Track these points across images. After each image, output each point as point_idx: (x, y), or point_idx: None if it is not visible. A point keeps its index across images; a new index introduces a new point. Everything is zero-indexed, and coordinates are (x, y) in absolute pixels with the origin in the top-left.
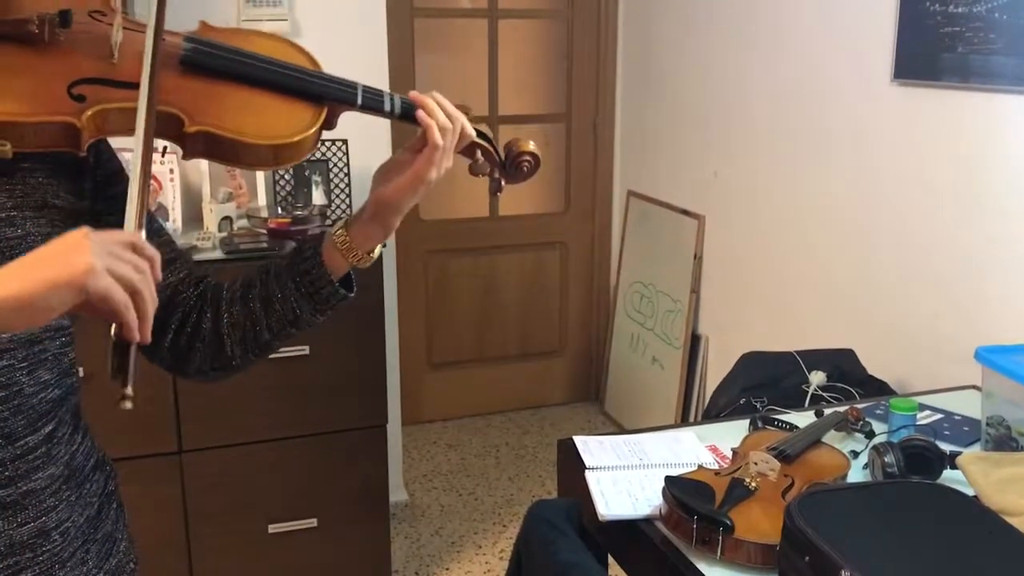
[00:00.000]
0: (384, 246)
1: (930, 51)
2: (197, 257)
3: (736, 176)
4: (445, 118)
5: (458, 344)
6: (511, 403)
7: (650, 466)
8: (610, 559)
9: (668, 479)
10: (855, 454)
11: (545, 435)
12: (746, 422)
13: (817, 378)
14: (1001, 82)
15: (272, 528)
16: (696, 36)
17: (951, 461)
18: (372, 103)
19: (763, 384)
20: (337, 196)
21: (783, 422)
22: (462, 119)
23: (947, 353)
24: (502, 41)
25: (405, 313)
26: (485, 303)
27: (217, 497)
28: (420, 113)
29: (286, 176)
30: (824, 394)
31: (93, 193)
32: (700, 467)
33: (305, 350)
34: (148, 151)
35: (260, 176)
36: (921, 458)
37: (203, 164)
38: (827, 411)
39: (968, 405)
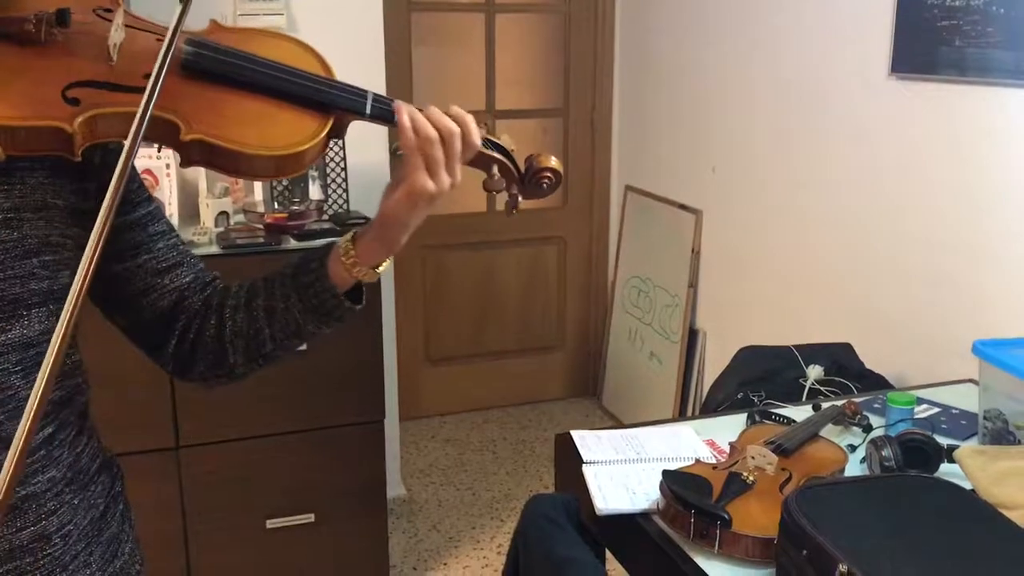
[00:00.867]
0: (391, 261)
1: (928, 45)
2: (194, 252)
3: (734, 171)
4: (429, 126)
5: (456, 339)
6: (509, 398)
7: (648, 460)
8: (608, 553)
9: (666, 473)
10: (853, 448)
11: (543, 430)
12: (743, 416)
13: (815, 372)
14: (999, 76)
15: (270, 523)
16: (694, 30)
17: (948, 455)
18: (381, 113)
19: (760, 378)
20: (334, 191)
21: (780, 416)
22: (455, 131)
23: (944, 347)
24: (499, 35)
25: (403, 308)
26: (483, 298)
27: (215, 492)
28: (398, 118)
29: None
30: (822, 388)
31: (97, 195)
32: (698, 461)
33: (303, 345)
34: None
35: None
36: (919, 452)
37: None
38: (824, 405)
39: (965, 399)
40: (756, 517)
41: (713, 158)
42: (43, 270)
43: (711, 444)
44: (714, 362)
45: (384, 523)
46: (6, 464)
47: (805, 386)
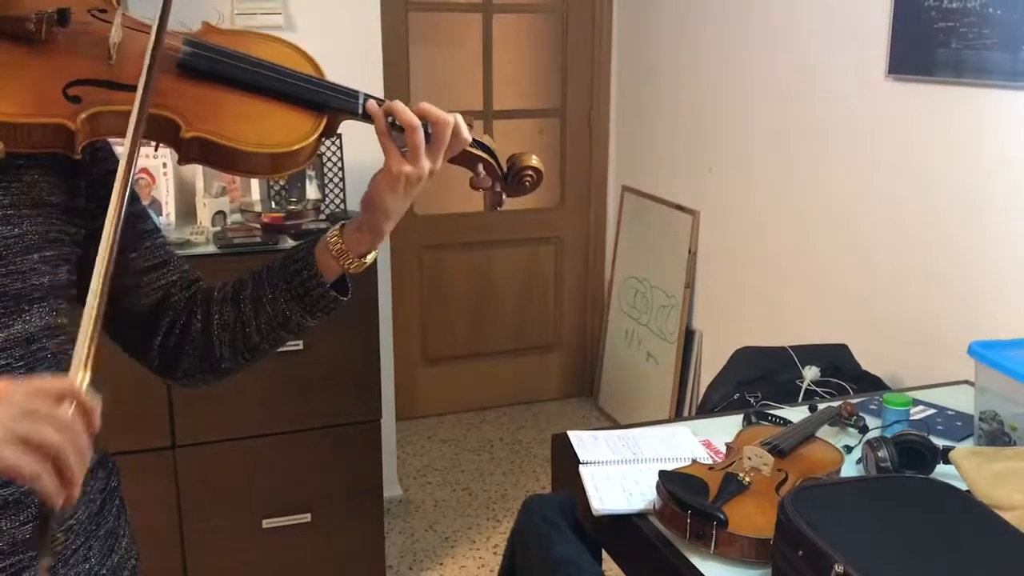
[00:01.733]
0: (377, 252)
1: (924, 46)
2: (191, 251)
3: (731, 171)
4: (404, 111)
5: (452, 339)
6: (505, 398)
7: (644, 461)
8: (604, 553)
9: (662, 474)
10: (848, 449)
11: (539, 430)
12: (740, 417)
13: (811, 373)
14: (995, 77)
15: (266, 523)
16: (691, 31)
17: (944, 456)
18: None
19: (757, 379)
20: (331, 191)
21: (777, 417)
22: (448, 121)
23: (940, 348)
24: (496, 35)
25: (399, 308)
26: (479, 298)
27: (211, 492)
28: (369, 107)
29: None
30: (818, 389)
31: (87, 192)
32: (694, 462)
33: (299, 345)
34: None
35: None
36: (914, 453)
37: None
38: (821, 406)
39: (961, 400)
40: (752, 518)
41: (710, 159)
42: (44, 265)
43: (707, 445)
44: (711, 363)
45: (380, 523)
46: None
47: (801, 387)
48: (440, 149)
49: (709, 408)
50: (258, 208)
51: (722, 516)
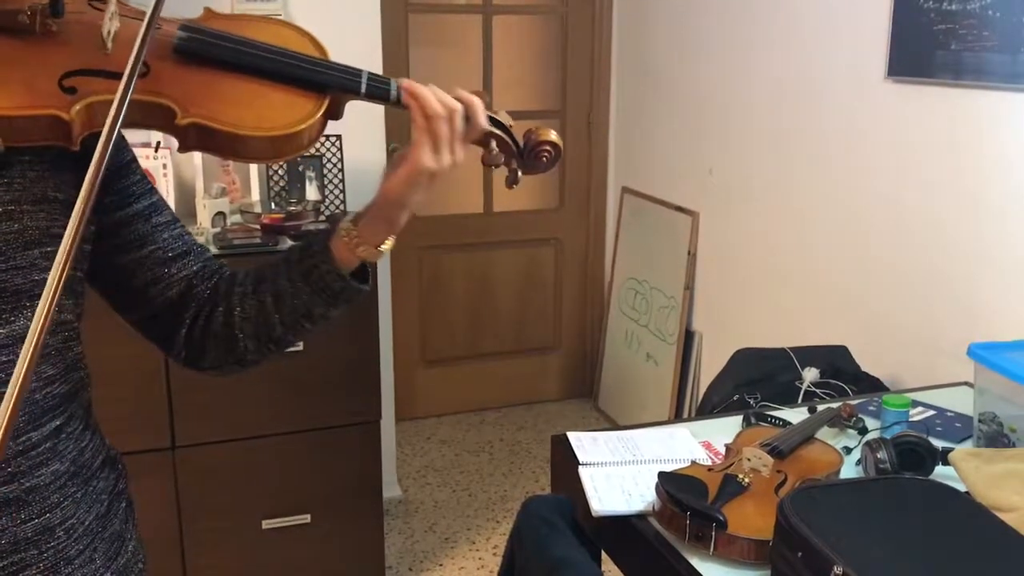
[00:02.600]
0: (393, 241)
1: (924, 48)
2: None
3: (730, 173)
4: (436, 103)
5: (452, 340)
6: (505, 399)
7: (643, 462)
8: (603, 555)
9: (661, 475)
10: (848, 450)
11: (539, 431)
12: (739, 418)
13: (810, 374)
14: (994, 79)
15: (266, 524)
16: (691, 33)
17: (943, 457)
18: (377, 91)
19: (756, 380)
20: (331, 192)
21: (776, 418)
22: (458, 108)
23: (940, 350)
24: (496, 37)
25: (399, 309)
26: (479, 299)
27: (210, 493)
28: (406, 96)
29: (279, 171)
30: (817, 390)
31: (100, 186)
32: (693, 463)
33: (299, 346)
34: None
35: (253, 171)
36: (914, 454)
37: (196, 158)
38: (820, 407)
39: (961, 401)
40: (751, 519)
41: (710, 160)
42: (45, 261)
43: (707, 446)
44: (710, 364)
45: (380, 524)
46: (6, 400)
47: (801, 388)
48: (458, 140)
49: (708, 409)
50: (258, 209)
51: (721, 517)
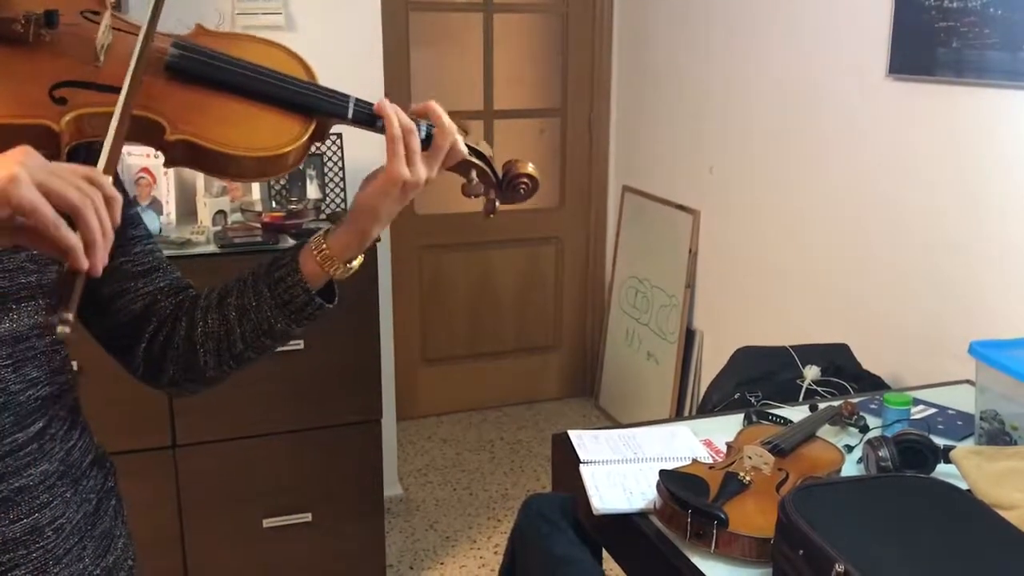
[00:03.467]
0: (363, 258)
1: (925, 46)
2: (191, 251)
3: (731, 171)
4: (406, 117)
5: (453, 339)
6: (506, 398)
7: (644, 460)
8: (604, 553)
9: (662, 473)
10: (849, 448)
11: (540, 430)
12: (740, 416)
13: (811, 373)
14: (995, 77)
15: (267, 523)
16: (691, 31)
17: (945, 455)
18: (364, 117)
19: (757, 379)
20: (331, 190)
21: (777, 416)
22: (451, 128)
23: (941, 348)
24: (497, 35)
25: (400, 308)
26: (480, 298)
27: (211, 492)
28: (382, 108)
29: None
30: (818, 389)
31: None
32: (694, 461)
33: (299, 345)
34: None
35: None
36: (915, 452)
37: None
38: (821, 405)
39: (962, 399)
40: (753, 517)
41: (710, 159)
42: (31, 264)
43: (708, 444)
44: (711, 362)
45: (381, 522)
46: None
47: (802, 386)
48: (439, 157)
49: (709, 407)
50: (259, 207)
51: (722, 515)
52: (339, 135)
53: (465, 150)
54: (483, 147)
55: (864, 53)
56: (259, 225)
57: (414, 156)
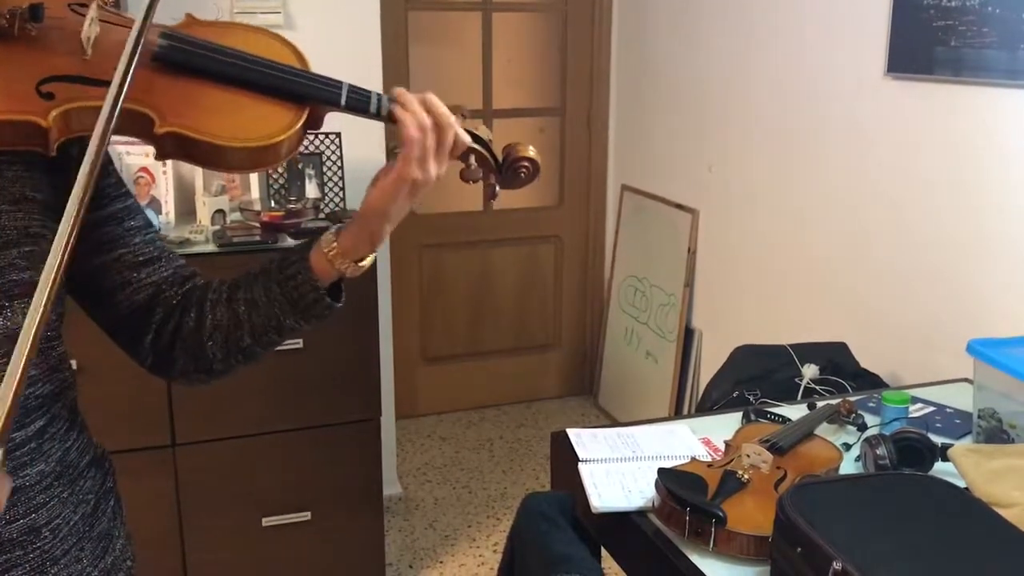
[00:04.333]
0: (375, 256)
1: (923, 45)
2: (190, 250)
3: (730, 170)
4: (424, 114)
5: (452, 338)
6: (505, 397)
7: (643, 458)
8: (603, 551)
9: (661, 471)
10: (847, 446)
11: (539, 428)
12: (739, 415)
13: (810, 371)
14: (994, 76)
15: (266, 521)
16: (690, 30)
17: (943, 453)
18: (357, 104)
19: (756, 377)
20: (331, 189)
21: (776, 415)
22: (452, 123)
23: (939, 346)
24: (496, 34)
25: (399, 307)
26: (479, 297)
27: (210, 490)
28: (396, 108)
29: (279, 169)
30: (817, 387)
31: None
32: (693, 459)
33: (299, 344)
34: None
35: None
36: (913, 450)
37: None
38: (820, 404)
39: (960, 398)
40: (751, 515)
41: (709, 158)
42: (23, 261)
43: (706, 442)
44: (710, 361)
45: (380, 521)
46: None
47: (800, 385)
48: (443, 152)
49: (708, 406)
50: (257, 207)
51: (721, 513)
52: (338, 134)
53: (468, 138)
54: (482, 131)
55: (863, 52)
56: (258, 224)
57: (427, 155)
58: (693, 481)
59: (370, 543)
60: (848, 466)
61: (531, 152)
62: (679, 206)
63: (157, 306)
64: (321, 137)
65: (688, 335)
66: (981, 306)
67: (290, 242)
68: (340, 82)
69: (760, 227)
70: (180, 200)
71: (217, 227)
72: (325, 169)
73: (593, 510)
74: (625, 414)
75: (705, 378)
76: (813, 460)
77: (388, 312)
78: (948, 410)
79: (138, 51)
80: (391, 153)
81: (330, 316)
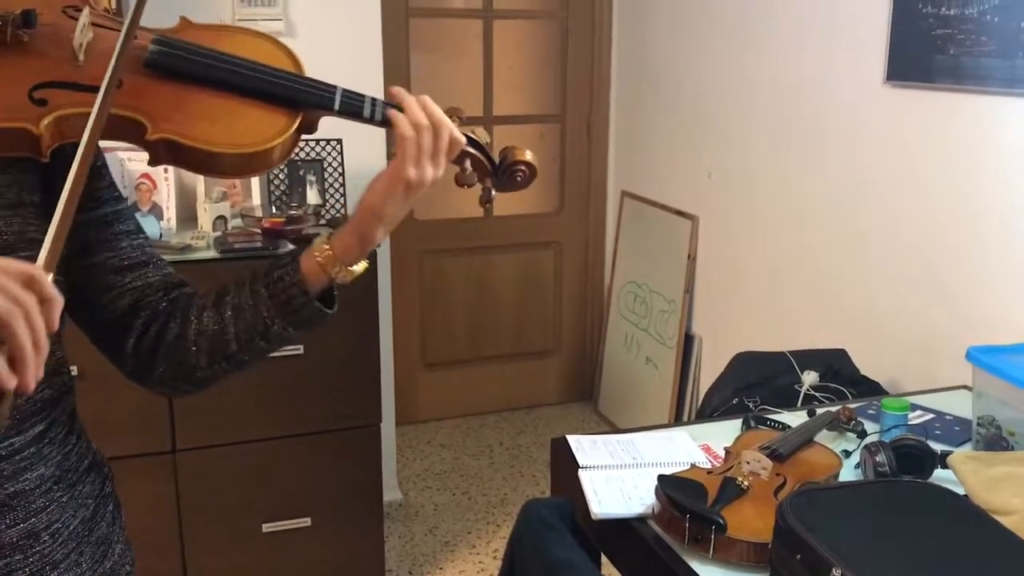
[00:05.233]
0: (367, 263)
1: (922, 53)
2: (191, 256)
3: (730, 177)
4: (419, 113)
5: (452, 344)
6: (505, 403)
7: (643, 465)
8: (603, 558)
9: (661, 478)
10: (847, 453)
11: (539, 434)
12: (739, 421)
13: (810, 378)
14: (992, 84)
15: (266, 527)
16: (690, 37)
17: (942, 460)
18: (351, 108)
19: (756, 384)
20: (332, 196)
21: (776, 421)
22: (448, 123)
23: (939, 353)
24: (497, 41)
25: (399, 312)
26: (479, 303)
27: (211, 496)
28: (391, 109)
29: (280, 175)
30: (816, 394)
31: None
32: (693, 466)
33: (299, 349)
34: (80, 180)
35: None
36: (912, 457)
37: None
38: (819, 411)
39: (959, 405)
40: (751, 522)
41: (709, 164)
42: None
43: (706, 449)
44: (710, 367)
45: (380, 527)
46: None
47: (800, 392)
48: (441, 153)
49: (708, 413)
50: (259, 213)
51: (721, 520)
52: (339, 140)
53: (463, 139)
54: (479, 134)
55: (862, 60)
56: (259, 231)
57: (423, 155)
58: (693, 488)
59: (370, 549)
60: (848, 473)
61: (527, 156)
62: (679, 212)
63: (141, 311)
64: (322, 143)
65: (688, 341)
66: (980, 313)
67: (291, 248)
68: (334, 86)
69: (760, 234)
70: (182, 206)
71: (218, 233)
72: (326, 175)
73: (593, 516)
74: (625, 420)
75: (705, 385)
76: (813, 467)
77: (388, 318)
78: (947, 417)
79: (121, 59)
80: (391, 157)
81: (321, 323)
